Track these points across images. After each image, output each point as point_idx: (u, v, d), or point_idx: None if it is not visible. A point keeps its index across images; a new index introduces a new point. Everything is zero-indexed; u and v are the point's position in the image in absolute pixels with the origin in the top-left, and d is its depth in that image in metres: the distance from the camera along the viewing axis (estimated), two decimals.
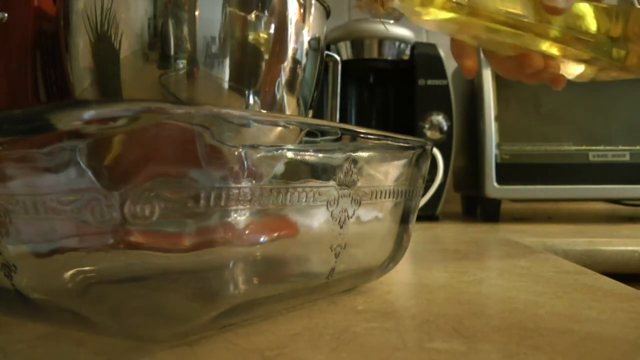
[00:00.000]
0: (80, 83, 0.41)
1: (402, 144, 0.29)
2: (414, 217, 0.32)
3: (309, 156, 0.23)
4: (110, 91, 0.40)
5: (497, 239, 0.62)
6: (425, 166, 0.31)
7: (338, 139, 0.24)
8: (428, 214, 0.83)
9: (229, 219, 0.20)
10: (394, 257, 0.31)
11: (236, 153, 0.20)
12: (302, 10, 0.41)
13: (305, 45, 0.42)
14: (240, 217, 0.20)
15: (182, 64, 0.38)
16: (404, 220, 0.30)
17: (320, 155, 0.24)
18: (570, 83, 0.48)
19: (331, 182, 0.24)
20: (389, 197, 0.28)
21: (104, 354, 0.20)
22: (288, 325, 0.24)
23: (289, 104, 0.44)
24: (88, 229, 0.17)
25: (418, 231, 0.67)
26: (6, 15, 0.43)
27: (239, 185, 0.20)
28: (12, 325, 0.24)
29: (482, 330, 0.23)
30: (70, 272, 0.19)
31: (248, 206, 0.20)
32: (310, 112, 0.47)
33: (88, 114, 0.16)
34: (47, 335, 0.23)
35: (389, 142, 0.28)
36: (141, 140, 0.17)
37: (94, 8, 0.38)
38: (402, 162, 0.29)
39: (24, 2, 0.43)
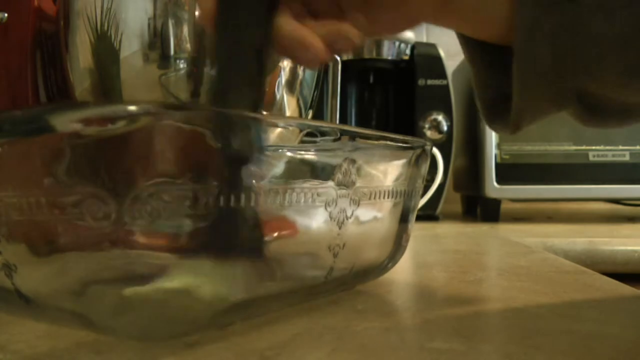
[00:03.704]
0: (80, 83, 0.41)
1: (400, 145, 0.29)
2: (413, 216, 0.32)
3: (308, 156, 0.23)
4: (110, 91, 0.40)
5: (497, 239, 0.62)
6: (425, 166, 0.31)
7: (337, 140, 0.24)
8: (428, 214, 0.83)
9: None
10: (393, 256, 0.31)
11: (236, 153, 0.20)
12: None
13: None
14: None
15: (182, 64, 0.38)
16: (403, 220, 0.30)
17: (319, 155, 0.24)
18: None
19: (330, 183, 0.24)
20: (388, 197, 0.28)
21: (104, 354, 0.20)
22: (288, 325, 0.24)
23: (289, 104, 0.44)
24: (88, 229, 0.17)
25: (418, 231, 0.67)
26: (6, 15, 0.43)
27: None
28: (12, 325, 0.24)
29: (482, 330, 0.23)
30: (70, 272, 0.19)
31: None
32: (310, 112, 0.47)
33: (87, 115, 0.16)
34: (47, 335, 0.23)
35: (388, 143, 0.28)
36: (140, 141, 0.17)
37: (94, 8, 0.38)
38: (401, 162, 0.29)
39: (24, 2, 0.43)
